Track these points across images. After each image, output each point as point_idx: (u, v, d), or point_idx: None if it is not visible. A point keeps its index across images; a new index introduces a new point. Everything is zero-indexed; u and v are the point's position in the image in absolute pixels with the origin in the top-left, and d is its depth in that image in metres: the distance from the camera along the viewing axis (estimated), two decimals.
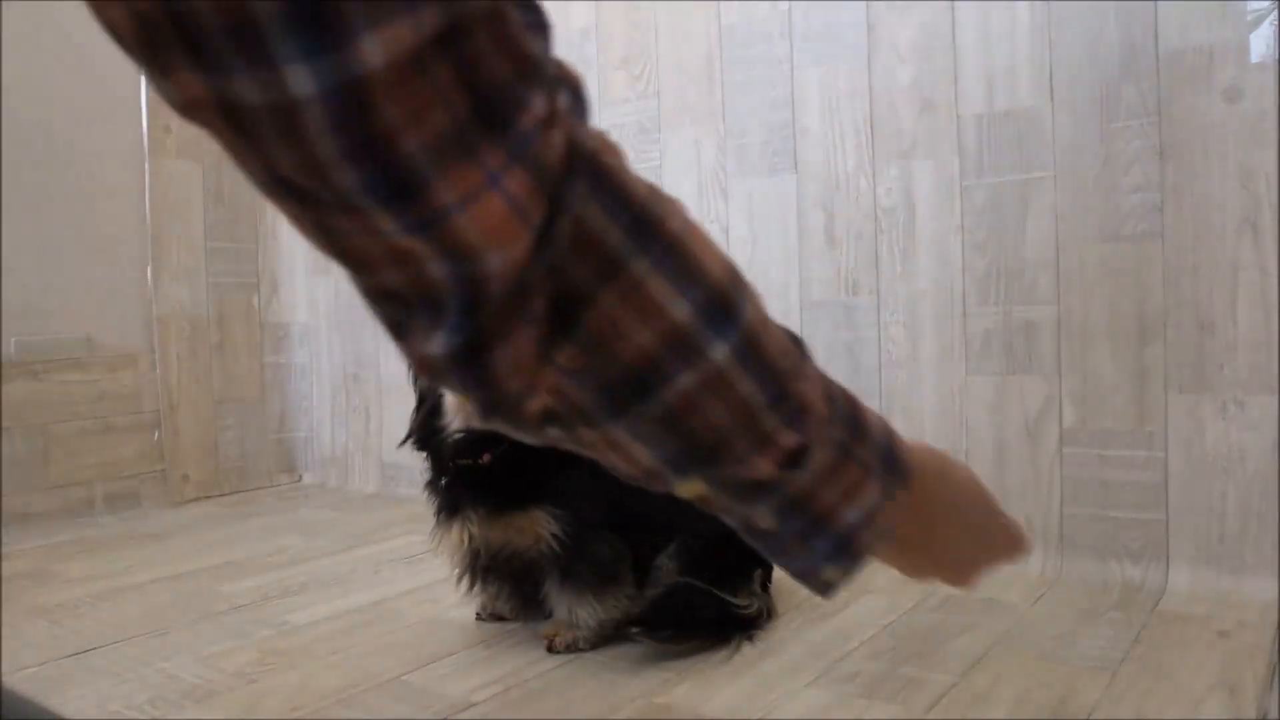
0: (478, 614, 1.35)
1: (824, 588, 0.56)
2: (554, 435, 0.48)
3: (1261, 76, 1.29)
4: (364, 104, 0.34)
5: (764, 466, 0.49)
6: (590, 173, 0.43)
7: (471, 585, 1.29)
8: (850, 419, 0.53)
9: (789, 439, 0.49)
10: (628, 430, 0.47)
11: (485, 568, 1.26)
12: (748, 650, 1.20)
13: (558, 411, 0.46)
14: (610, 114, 1.90)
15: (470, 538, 1.22)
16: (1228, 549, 1.34)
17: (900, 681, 1.08)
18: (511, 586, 1.28)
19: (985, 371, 1.53)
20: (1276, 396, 1.31)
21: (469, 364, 0.43)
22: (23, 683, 1.14)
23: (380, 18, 0.33)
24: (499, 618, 1.34)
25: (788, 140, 1.70)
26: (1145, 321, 1.40)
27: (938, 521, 0.60)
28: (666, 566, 1.24)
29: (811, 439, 0.50)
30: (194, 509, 2.21)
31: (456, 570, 1.28)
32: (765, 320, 0.49)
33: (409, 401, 1.27)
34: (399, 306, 0.43)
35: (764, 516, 0.52)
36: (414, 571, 1.61)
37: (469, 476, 1.22)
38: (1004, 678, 1.08)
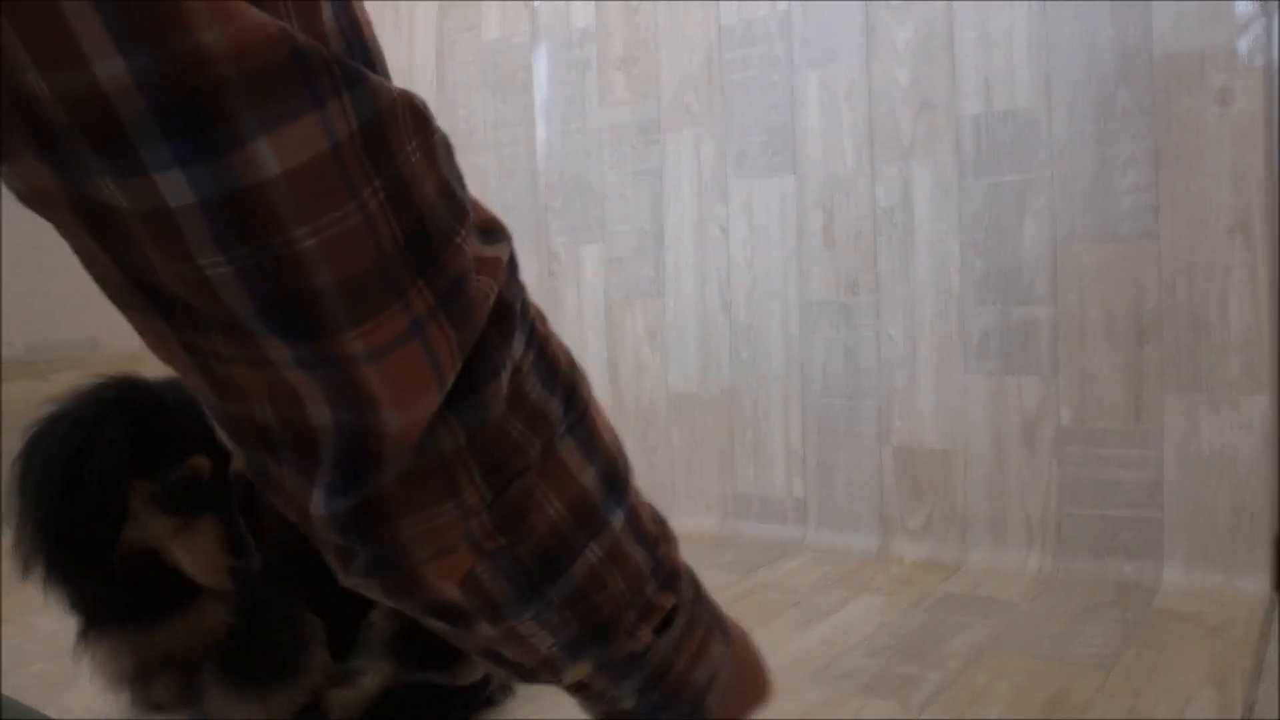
0: None
1: None
2: (439, 628, 0.43)
3: (1252, 80, 1.30)
4: (261, 218, 0.29)
5: (644, 636, 0.47)
6: (530, 339, 0.39)
7: None
8: (693, 576, 0.51)
9: (666, 602, 0.47)
10: (535, 618, 0.43)
11: None
12: None
13: (463, 609, 0.42)
14: (610, 114, 1.90)
15: None
16: (1220, 547, 1.36)
17: (897, 679, 1.09)
18: None
19: (983, 371, 1.54)
20: (1268, 396, 1.32)
21: (364, 532, 0.37)
22: (26, 680, 1.15)
23: (276, 117, 0.27)
24: None
25: (787, 140, 1.71)
26: (1141, 321, 1.41)
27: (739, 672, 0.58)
28: (379, 625, 0.98)
29: (680, 601, 0.48)
30: None
31: None
32: (636, 484, 0.47)
33: None
34: (263, 448, 0.37)
35: (628, 696, 0.49)
36: None
37: None
38: (1000, 675, 1.09)
